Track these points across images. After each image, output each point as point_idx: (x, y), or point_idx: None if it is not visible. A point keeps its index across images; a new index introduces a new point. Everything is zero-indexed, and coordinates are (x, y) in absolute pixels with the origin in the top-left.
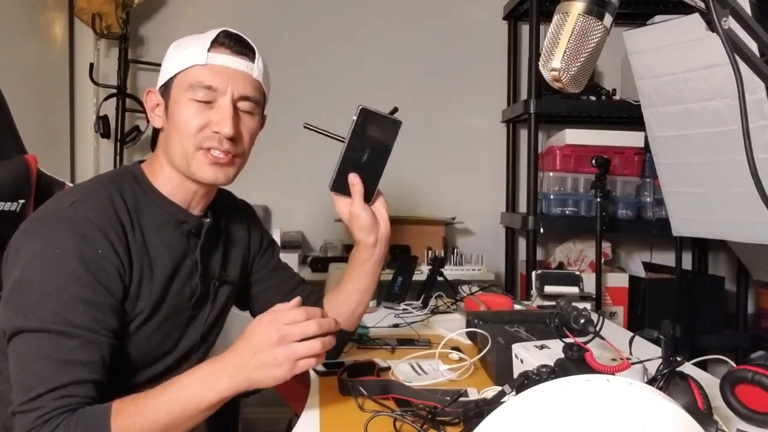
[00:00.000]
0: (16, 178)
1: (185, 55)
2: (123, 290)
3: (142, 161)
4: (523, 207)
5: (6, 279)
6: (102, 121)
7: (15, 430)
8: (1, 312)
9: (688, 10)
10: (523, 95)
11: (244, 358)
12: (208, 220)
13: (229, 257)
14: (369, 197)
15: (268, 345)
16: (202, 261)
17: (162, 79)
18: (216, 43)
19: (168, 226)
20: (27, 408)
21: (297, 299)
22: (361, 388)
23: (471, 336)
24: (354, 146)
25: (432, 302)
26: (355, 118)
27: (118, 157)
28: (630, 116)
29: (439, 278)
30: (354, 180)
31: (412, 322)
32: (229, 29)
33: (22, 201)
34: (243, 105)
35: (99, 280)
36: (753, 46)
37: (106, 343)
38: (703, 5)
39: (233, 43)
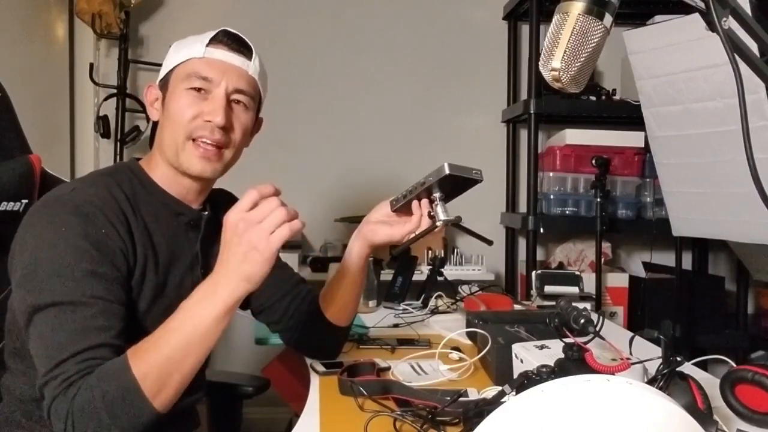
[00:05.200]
0: (20, 178)
1: (184, 50)
2: (128, 270)
3: (139, 158)
4: (523, 207)
5: (14, 270)
6: (102, 121)
7: (44, 402)
8: (15, 300)
9: (688, 10)
10: (523, 95)
11: (226, 262)
12: (207, 212)
13: None
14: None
15: (238, 236)
16: (203, 253)
17: (162, 73)
18: (215, 40)
19: (166, 217)
20: (50, 376)
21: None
22: (361, 388)
23: (471, 336)
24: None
25: (432, 302)
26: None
27: (118, 157)
28: (630, 116)
29: (439, 278)
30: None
31: (412, 322)
32: (229, 29)
33: (25, 201)
34: (237, 98)
35: (105, 256)
36: (753, 46)
37: (120, 312)
38: (703, 5)
39: (231, 40)
